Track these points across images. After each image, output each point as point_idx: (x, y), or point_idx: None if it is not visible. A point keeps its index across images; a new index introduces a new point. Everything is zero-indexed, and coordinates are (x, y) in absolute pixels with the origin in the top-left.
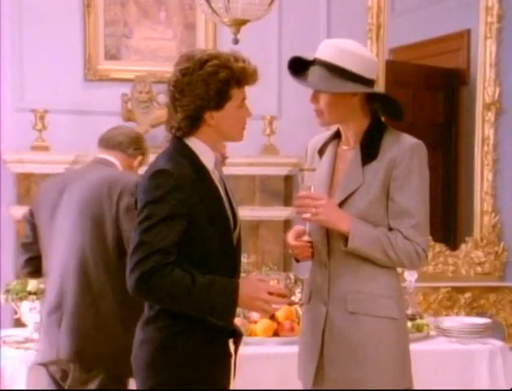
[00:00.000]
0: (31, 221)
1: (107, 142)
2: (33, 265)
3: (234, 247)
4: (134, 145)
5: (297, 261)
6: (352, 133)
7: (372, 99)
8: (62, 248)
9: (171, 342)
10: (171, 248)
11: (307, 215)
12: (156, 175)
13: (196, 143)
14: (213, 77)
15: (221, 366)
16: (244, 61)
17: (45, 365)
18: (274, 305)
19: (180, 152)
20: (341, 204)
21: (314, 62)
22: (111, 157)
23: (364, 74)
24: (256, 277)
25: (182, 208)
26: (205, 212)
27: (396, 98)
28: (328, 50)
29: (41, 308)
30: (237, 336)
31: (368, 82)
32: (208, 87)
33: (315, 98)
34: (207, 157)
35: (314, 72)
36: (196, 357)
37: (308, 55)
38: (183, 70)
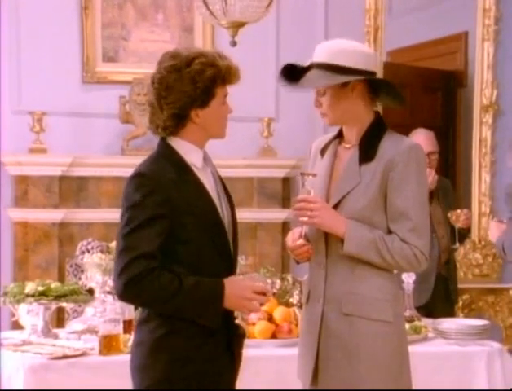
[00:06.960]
0: None
1: None
2: None
3: (228, 245)
4: None
5: (298, 262)
6: (354, 133)
7: (374, 93)
8: None
9: (162, 343)
10: (155, 252)
11: (304, 218)
12: (133, 179)
13: (180, 143)
14: (200, 75)
15: (215, 365)
16: (227, 59)
17: None
18: (257, 303)
19: (163, 154)
20: (338, 204)
21: (310, 67)
22: None
23: (361, 67)
24: (236, 278)
25: (162, 209)
26: (190, 212)
27: (393, 83)
28: (320, 51)
29: None
30: (237, 335)
31: (368, 74)
32: (195, 85)
33: (317, 102)
34: (193, 155)
35: (308, 75)
36: (188, 356)
37: (305, 62)
38: (168, 67)
